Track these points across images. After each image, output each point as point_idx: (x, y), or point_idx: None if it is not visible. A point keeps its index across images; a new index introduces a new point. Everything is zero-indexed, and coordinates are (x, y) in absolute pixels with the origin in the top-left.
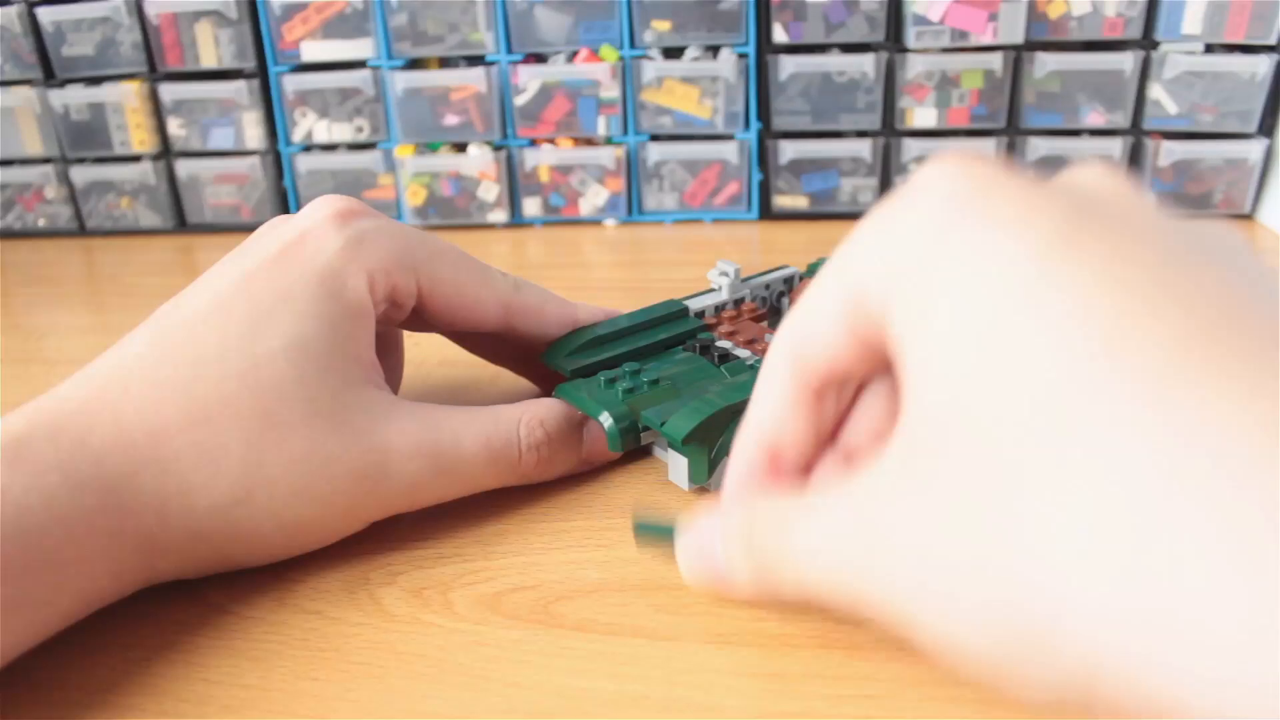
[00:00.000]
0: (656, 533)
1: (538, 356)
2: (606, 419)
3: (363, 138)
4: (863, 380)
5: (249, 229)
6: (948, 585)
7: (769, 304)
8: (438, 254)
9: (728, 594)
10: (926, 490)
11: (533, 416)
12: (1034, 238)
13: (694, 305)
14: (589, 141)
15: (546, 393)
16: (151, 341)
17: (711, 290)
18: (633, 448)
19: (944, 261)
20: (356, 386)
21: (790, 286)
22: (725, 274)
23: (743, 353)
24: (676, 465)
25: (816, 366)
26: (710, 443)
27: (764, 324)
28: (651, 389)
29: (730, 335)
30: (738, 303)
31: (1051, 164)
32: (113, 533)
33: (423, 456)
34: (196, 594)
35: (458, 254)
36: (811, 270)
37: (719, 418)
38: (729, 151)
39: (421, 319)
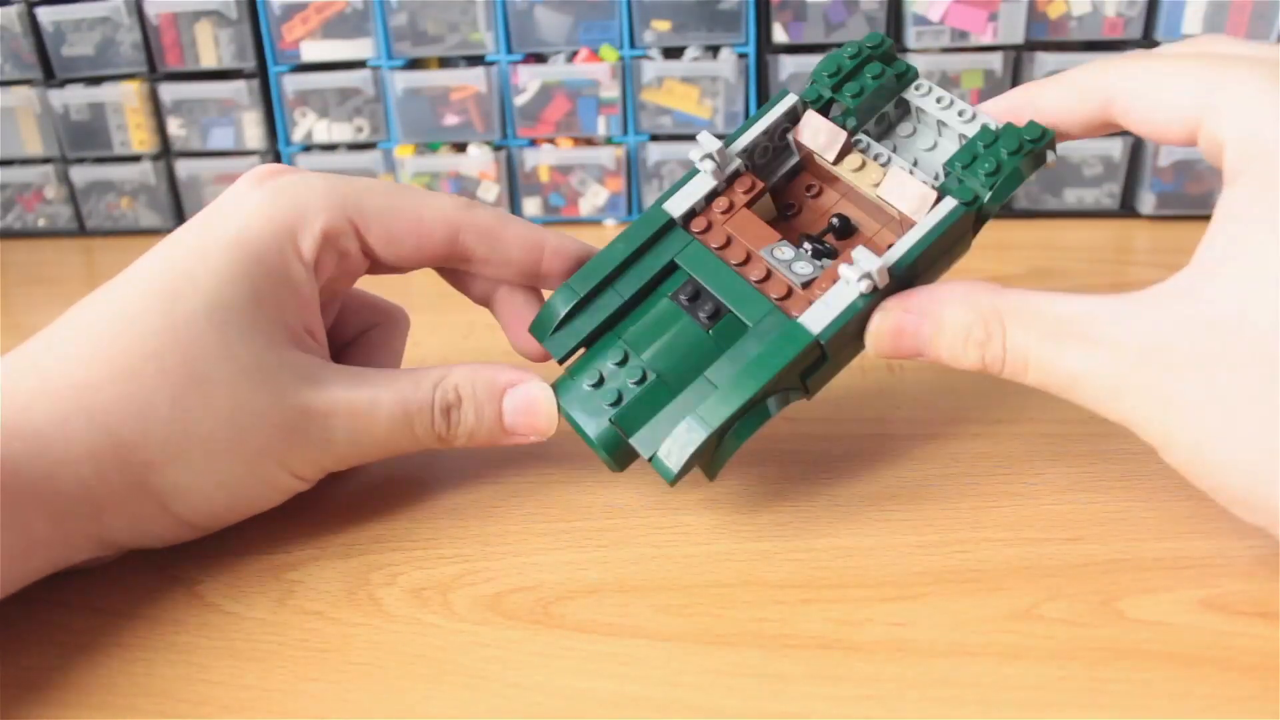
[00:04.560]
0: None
1: (508, 282)
2: (599, 449)
3: (363, 138)
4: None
5: None
6: (1222, 464)
7: (771, 150)
8: (366, 187)
9: (913, 358)
10: (1226, 380)
11: (450, 379)
12: None
13: (680, 205)
14: (589, 141)
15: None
16: (80, 308)
17: (697, 174)
18: (633, 460)
19: None
20: (280, 348)
21: (795, 119)
22: (710, 157)
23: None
24: None
25: (1127, 119)
26: (706, 460)
27: (757, 210)
28: (639, 392)
29: (723, 249)
30: (731, 178)
31: (1056, 163)
32: (46, 478)
33: (339, 414)
34: (196, 594)
35: (391, 184)
36: (817, 87)
37: (707, 442)
38: None
39: (374, 256)
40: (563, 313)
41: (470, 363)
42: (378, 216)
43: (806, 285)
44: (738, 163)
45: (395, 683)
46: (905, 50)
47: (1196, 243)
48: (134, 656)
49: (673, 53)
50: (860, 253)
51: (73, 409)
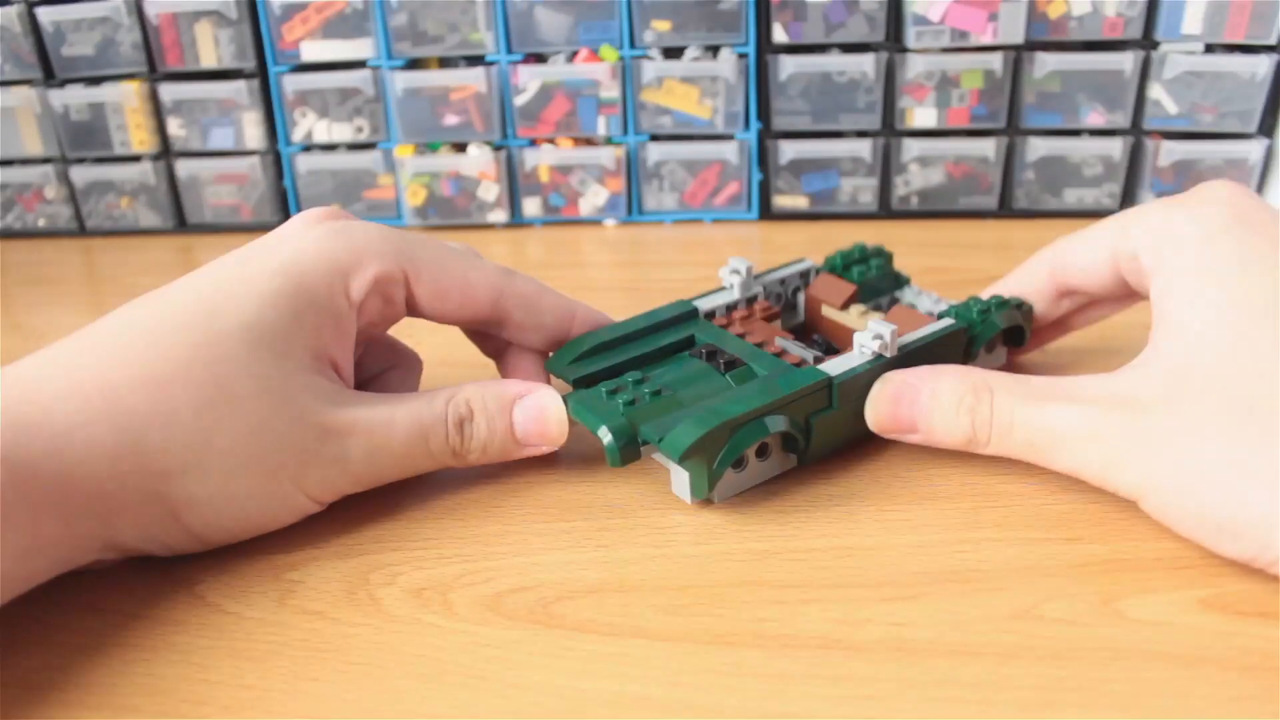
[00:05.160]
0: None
1: (532, 348)
2: (605, 434)
3: (363, 138)
4: (1093, 299)
5: (249, 229)
6: (1198, 493)
7: (784, 299)
8: (420, 242)
9: (908, 438)
10: (1187, 410)
11: (462, 394)
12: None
13: (704, 305)
14: (589, 141)
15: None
16: (114, 316)
17: (723, 289)
18: (633, 461)
19: (1214, 259)
20: (307, 374)
21: (806, 281)
22: (737, 272)
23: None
24: (679, 478)
25: (1070, 276)
26: (710, 457)
27: (776, 323)
28: (653, 400)
29: (741, 337)
30: (750, 301)
31: (1056, 164)
32: (62, 477)
33: (357, 433)
34: (196, 594)
35: (440, 242)
36: (830, 265)
37: (719, 432)
38: (729, 151)
39: (418, 308)
40: (584, 349)
41: (481, 380)
42: (430, 272)
43: (818, 360)
44: (760, 288)
45: (395, 683)
46: (905, 50)
47: None
48: (134, 656)
49: (673, 53)
50: (874, 321)
51: (99, 411)
